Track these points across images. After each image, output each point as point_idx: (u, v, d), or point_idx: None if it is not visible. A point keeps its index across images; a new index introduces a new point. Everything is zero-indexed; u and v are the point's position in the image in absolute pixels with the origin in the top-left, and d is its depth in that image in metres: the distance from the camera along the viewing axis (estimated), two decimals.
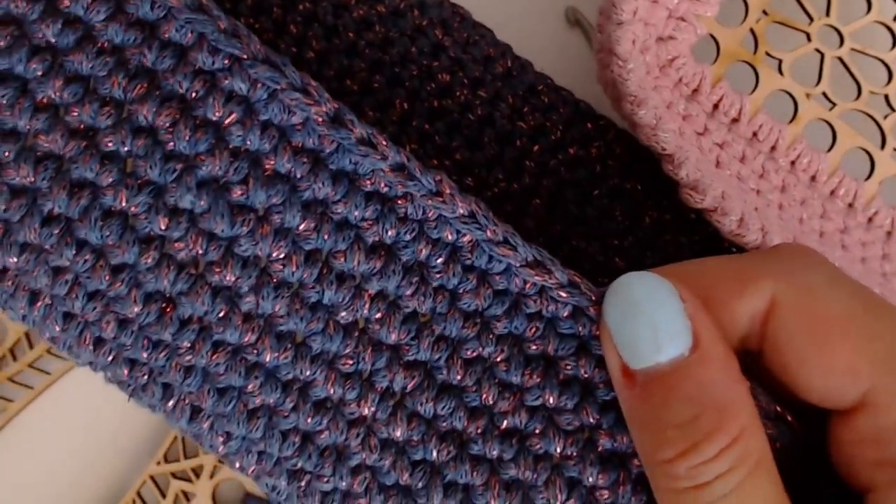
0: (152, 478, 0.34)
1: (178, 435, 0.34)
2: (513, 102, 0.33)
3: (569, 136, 0.33)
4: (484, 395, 0.23)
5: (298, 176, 0.23)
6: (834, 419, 0.22)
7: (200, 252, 0.23)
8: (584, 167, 0.33)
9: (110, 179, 0.23)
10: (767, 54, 0.35)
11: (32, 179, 0.23)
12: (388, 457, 0.24)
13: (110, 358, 0.24)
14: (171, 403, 0.25)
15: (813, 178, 0.35)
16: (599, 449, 0.23)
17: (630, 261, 0.32)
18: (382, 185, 0.23)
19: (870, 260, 0.34)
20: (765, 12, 0.35)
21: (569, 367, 0.23)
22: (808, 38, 0.36)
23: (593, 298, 0.23)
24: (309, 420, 0.24)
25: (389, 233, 0.23)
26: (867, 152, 0.36)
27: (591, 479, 0.23)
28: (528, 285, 0.23)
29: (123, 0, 0.23)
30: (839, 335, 0.21)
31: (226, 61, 0.23)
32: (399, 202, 0.23)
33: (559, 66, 0.34)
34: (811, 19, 0.36)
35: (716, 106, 0.34)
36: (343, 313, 0.24)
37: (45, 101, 0.23)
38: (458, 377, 0.24)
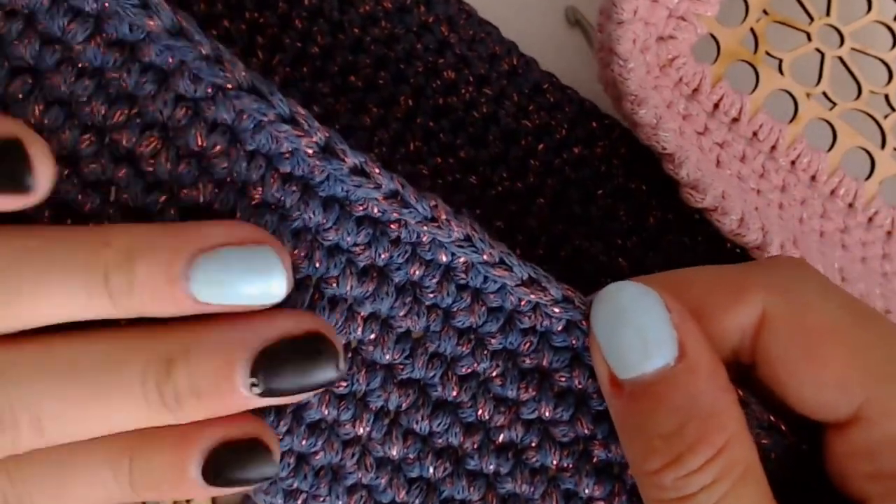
0: None
1: None
2: (518, 100, 0.32)
3: (573, 134, 0.33)
4: (480, 411, 0.24)
5: (288, 205, 0.22)
6: (828, 431, 0.22)
7: None
8: (588, 166, 0.33)
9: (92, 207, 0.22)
10: (768, 54, 0.35)
11: None
12: (384, 475, 0.24)
13: None
14: None
15: (813, 178, 0.35)
16: (594, 460, 0.23)
17: (633, 261, 0.32)
18: (375, 210, 0.23)
19: (870, 260, 0.34)
20: (765, 12, 0.36)
21: (563, 379, 0.23)
22: (809, 38, 0.36)
23: (587, 312, 0.23)
24: (303, 442, 0.24)
25: (382, 256, 0.23)
26: (867, 152, 0.36)
27: (587, 491, 0.23)
28: (522, 302, 0.23)
29: (102, 20, 0.22)
30: (831, 348, 0.21)
31: (209, 90, 0.22)
32: (392, 226, 0.23)
33: (559, 66, 0.34)
34: (811, 19, 0.36)
35: (716, 105, 0.34)
36: None
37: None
38: (454, 393, 0.24)
